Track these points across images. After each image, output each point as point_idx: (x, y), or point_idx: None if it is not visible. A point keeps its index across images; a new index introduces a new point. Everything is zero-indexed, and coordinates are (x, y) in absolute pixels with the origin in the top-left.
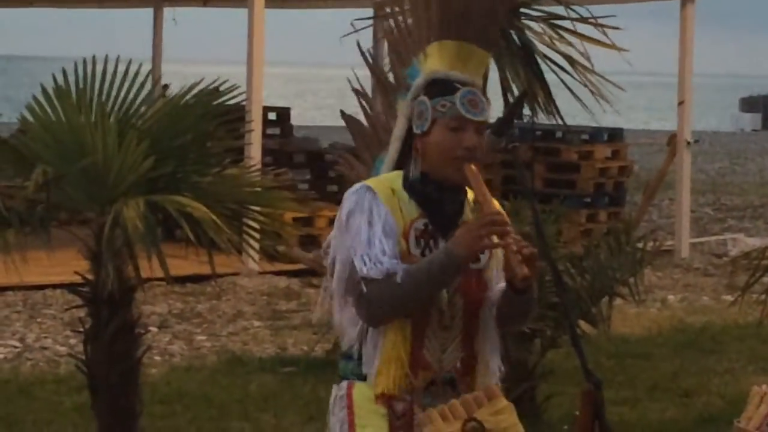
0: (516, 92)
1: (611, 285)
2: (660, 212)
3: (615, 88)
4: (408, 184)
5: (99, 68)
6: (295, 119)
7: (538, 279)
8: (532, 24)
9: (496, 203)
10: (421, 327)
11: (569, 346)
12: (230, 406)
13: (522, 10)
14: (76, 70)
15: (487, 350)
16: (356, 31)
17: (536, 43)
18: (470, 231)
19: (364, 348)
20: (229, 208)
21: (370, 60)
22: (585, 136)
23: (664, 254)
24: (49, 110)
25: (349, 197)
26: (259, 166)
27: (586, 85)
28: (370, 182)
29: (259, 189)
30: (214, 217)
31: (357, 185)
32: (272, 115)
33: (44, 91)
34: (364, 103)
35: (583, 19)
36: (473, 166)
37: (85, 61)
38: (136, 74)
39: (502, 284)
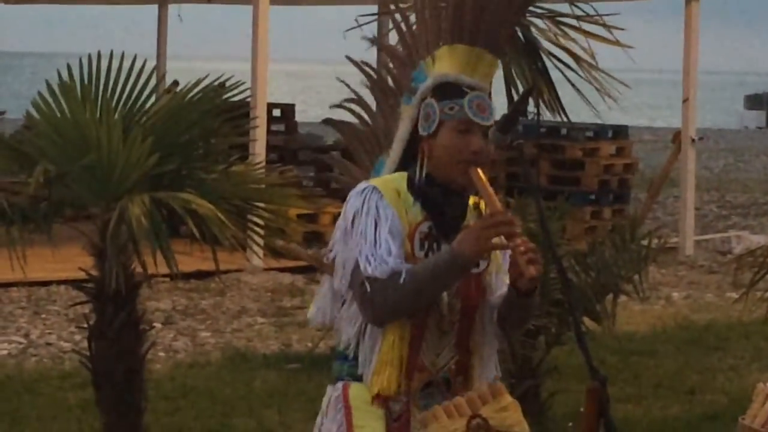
0: (521, 89)
1: (616, 282)
2: (664, 209)
3: (619, 85)
4: (413, 186)
5: (104, 65)
6: (300, 116)
7: (542, 276)
8: (537, 21)
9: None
10: (419, 329)
11: (574, 343)
12: (234, 403)
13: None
14: (81, 67)
15: (484, 350)
16: (359, 26)
17: (541, 40)
18: (476, 231)
19: (360, 348)
20: (233, 205)
21: (370, 70)
22: (590, 134)
23: (669, 251)
24: (54, 107)
25: (355, 197)
26: (263, 162)
27: (590, 83)
28: (375, 183)
29: (263, 186)
30: (218, 214)
31: (362, 185)
32: (277, 112)
33: (49, 87)
34: (358, 109)
35: (587, 16)
36: (479, 170)
37: (90, 58)
38: (141, 71)
39: (503, 290)
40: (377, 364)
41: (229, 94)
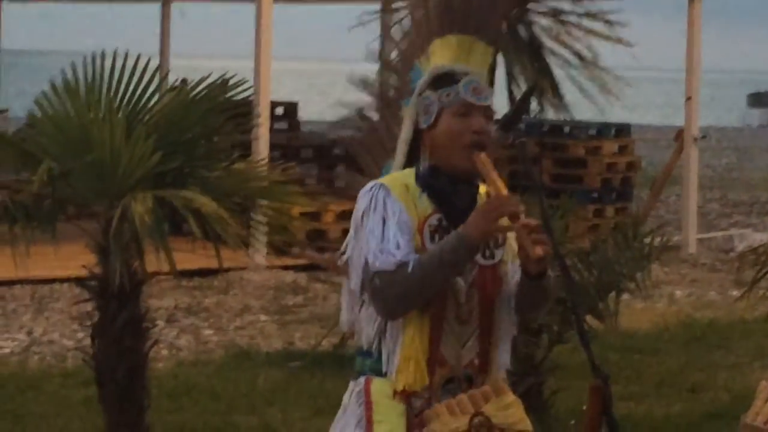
0: (523, 87)
1: (618, 280)
2: (667, 208)
3: (622, 84)
4: (420, 179)
5: (107, 63)
6: (303, 114)
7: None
8: (539, 19)
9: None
10: (438, 321)
11: (576, 340)
12: (237, 400)
13: (529, 5)
14: (84, 65)
15: (502, 347)
16: (362, 24)
17: (544, 38)
18: (481, 213)
19: (383, 345)
20: (236, 203)
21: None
22: (592, 132)
23: (671, 250)
24: (57, 105)
25: (364, 196)
26: (266, 160)
27: (593, 81)
28: (383, 180)
29: (266, 184)
30: (221, 212)
31: (370, 183)
32: (280, 110)
33: (53, 85)
34: (359, 120)
35: (590, 15)
36: (483, 154)
37: (93, 56)
38: (144, 69)
39: (518, 276)
40: (401, 361)
41: (232, 92)
